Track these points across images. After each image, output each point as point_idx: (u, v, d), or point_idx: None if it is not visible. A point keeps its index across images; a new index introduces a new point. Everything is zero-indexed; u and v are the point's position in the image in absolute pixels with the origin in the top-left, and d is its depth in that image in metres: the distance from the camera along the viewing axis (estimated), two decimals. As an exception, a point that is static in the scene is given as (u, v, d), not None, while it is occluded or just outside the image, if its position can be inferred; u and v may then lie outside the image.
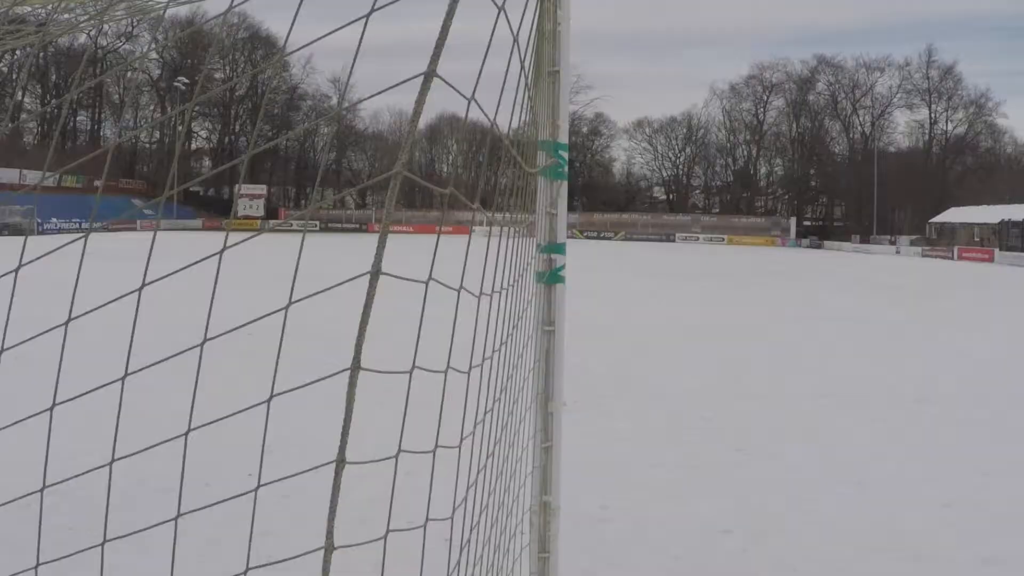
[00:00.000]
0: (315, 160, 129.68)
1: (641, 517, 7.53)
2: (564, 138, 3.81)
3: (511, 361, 3.35)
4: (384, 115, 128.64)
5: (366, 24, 1.74)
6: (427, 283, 1.87)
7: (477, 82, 1.96)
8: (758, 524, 7.43)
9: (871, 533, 7.32)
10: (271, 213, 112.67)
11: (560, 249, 3.81)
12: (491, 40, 2.03)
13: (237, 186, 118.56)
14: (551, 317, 3.85)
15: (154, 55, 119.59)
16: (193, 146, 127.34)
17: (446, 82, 1.76)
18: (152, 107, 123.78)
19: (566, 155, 3.82)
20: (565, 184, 3.83)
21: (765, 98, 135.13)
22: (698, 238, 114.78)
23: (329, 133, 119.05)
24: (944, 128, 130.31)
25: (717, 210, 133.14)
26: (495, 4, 1.99)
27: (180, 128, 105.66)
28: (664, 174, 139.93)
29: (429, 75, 1.63)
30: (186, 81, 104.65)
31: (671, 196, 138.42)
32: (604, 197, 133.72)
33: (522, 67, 2.63)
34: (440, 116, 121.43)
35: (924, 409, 12.69)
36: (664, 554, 6.79)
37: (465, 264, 2.22)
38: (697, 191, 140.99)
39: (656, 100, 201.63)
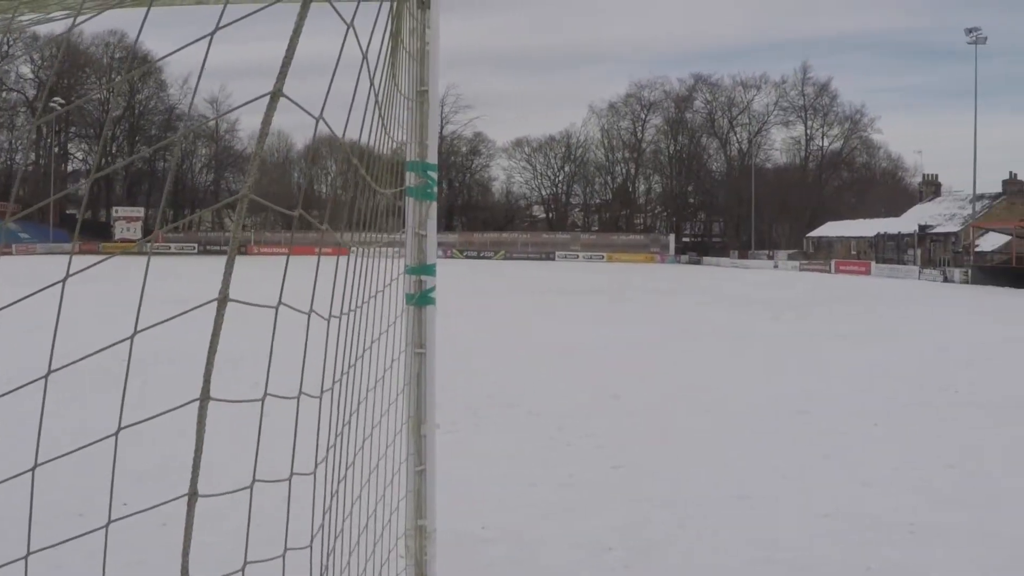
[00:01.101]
0: (192, 181, 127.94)
1: (522, 537, 7.50)
2: (433, 158, 3.78)
3: (367, 383, 3.30)
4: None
5: (210, 44, 1.70)
6: (276, 308, 1.84)
7: (325, 101, 1.93)
8: (640, 541, 7.45)
9: (753, 546, 7.37)
10: (149, 235, 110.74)
11: (430, 270, 3.78)
12: (339, 58, 2.01)
13: (114, 209, 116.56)
14: (422, 339, 3.82)
15: (30, 75, 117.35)
16: (69, 167, 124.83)
17: (292, 101, 1.73)
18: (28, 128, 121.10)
19: (435, 175, 3.79)
20: (434, 205, 3.80)
21: (643, 116, 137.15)
22: (578, 256, 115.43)
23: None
24: (820, 144, 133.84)
25: (596, 228, 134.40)
26: (344, 21, 1.96)
27: (56, 149, 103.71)
28: (543, 193, 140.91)
29: (275, 95, 1.60)
30: (61, 102, 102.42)
31: (551, 214, 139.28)
32: (484, 216, 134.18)
33: (371, 85, 2.61)
34: (319, 137, 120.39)
35: (804, 421, 12.84)
36: (546, 573, 6.79)
37: (315, 287, 2.19)
38: (576, 209, 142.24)
39: (535, 119, 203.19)
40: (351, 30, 1.97)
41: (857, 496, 8.88)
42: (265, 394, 1.85)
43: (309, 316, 2.06)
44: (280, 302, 1.82)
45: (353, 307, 2.93)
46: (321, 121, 1.91)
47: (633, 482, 9.28)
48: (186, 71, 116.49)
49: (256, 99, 1.69)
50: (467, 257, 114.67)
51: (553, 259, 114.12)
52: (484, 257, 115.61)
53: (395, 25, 3.13)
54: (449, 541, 6.46)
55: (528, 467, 9.80)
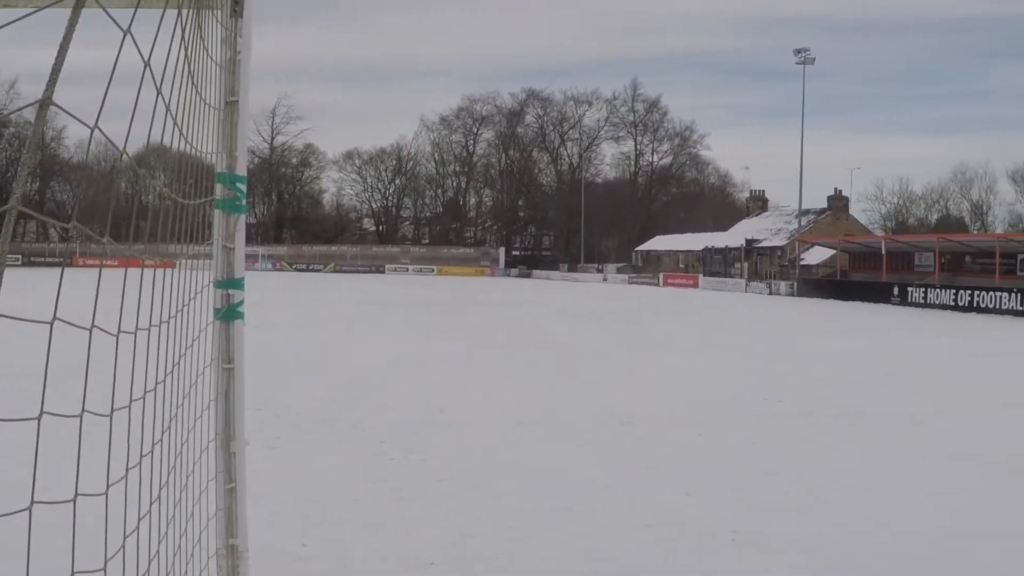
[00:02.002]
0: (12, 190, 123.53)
1: (344, 553, 7.40)
2: (242, 170, 3.73)
3: (175, 399, 3.23)
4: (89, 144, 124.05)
5: None
6: (51, 323, 1.79)
7: (100, 110, 1.89)
8: (463, 554, 7.44)
9: (576, 557, 7.40)
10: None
11: (239, 284, 3.72)
12: (115, 67, 1.96)
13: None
14: (230, 355, 3.76)
15: None
16: None
17: (63, 109, 1.69)
18: None
19: (244, 187, 3.74)
20: (243, 218, 3.75)
21: (475, 130, 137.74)
22: (408, 269, 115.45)
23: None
24: (650, 159, 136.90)
25: (427, 241, 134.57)
26: (120, 28, 1.92)
27: None
28: (374, 205, 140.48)
29: (44, 103, 1.56)
30: None
31: (381, 227, 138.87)
32: (314, 229, 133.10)
33: (159, 94, 2.56)
34: (148, 145, 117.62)
35: (629, 431, 12.95)
36: (366, 590, 6.68)
37: (96, 300, 2.13)
38: (407, 222, 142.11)
39: (367, 131, 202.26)
40: (128, 36, 1.92)
41: (680, 505, 8.97)
42: (41, 412, 1.79)
43: (91, 331, 2.01)
44: (55, 317, 1.77)
45: (159, 322, 2.87)
46: (98, 130, 1.87)
47: (457, 496, 9.24)
48: (13, 75, 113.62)
49: (24, 107, 1.65)
50: (297, 270, 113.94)
51: (383, 272, 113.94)
52: (314, 270, 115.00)
53: (193, 33, 3.07)
54: (268, 559, 6.49)
55: (351, 482, 9.67)
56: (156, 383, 2.93)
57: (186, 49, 2.83)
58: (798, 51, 77.39)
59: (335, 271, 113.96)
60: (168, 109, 2.74)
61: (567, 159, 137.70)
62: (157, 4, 2.52)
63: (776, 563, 7.36)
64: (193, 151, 3.35)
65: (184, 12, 2.75)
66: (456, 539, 7.80)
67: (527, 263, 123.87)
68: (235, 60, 3.77)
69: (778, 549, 7.69)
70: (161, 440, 3.03)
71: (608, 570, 7.17)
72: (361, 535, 7.88)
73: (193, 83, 3.13)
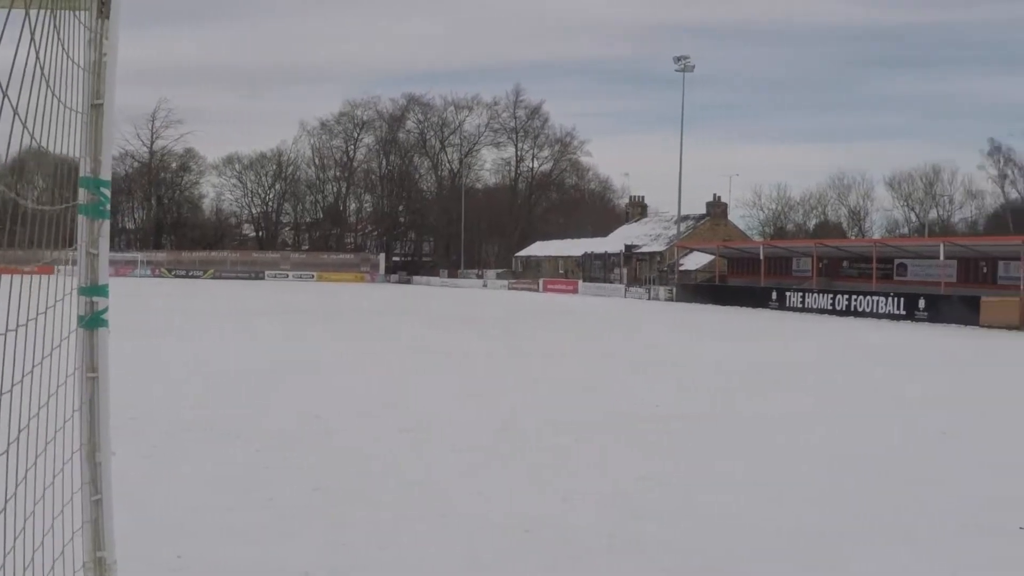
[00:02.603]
0: None
1: (218, 563, 7.29)
2: (106, 174, 3.67)
3: (29, 409, 3.15)
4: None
5: None
6: None
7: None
8: (337, 564, 7.35)
9: (454, 564, 7.39)
10: None
11: (103, 291, 3.65)
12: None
13: None
14: (94, 363, 3.69)
15: None
16: None
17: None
18: None
19: (108, 192, 3.68)
20: (107, 223, 3.68)
21: (356, 135, 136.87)
22: (288, 275, 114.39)
23: None
24: (531, 165, 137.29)
25: (307, 247, 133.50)
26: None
27: None
28: (254, 211, 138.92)
29: None
30: None
31: (261, 233, 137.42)
32: (193, 235, 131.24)
33: (5, 96, 2.51)
34: (26, 149, 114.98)
35: (506, 437, 12.95)
36: (240, 601, 6.54)
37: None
38: (287, 228, 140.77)
39: (247, 136, 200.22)
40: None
41: (557, 511, 8.93)
42: None
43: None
44: None
45: (7, 329, 2.81)
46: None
47: (333, 504, 9.16)
48: None
49: None
50: (176, 276, 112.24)
51: (263, 278, 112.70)
52: (193, 276, 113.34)
53: (48, 34, 3.00)
54: (140, 571, 6.33)
55: (226, 491, 9.50)
56: (2, 392, 2.85)
57: (37, 51, 2.77)
58: (678, 58, 78.55)
59: (214, 277, 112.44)
60: (15, 112, 2.69)
61: (448, 164, 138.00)
62: (2, 3, 2.47)
63: (654, 566, 7.43)
64: (52, 154, 3.29)
65: (34, 13, 2.70)
66: (332, 548, 7.72)
67: (408, 269, 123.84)
68: (100, 62, 3.71)
69: (656, 553, 7.75)
70: (7, 451, 2.96)
71: None
72: (236, 545, 7.76)
73: (48, 85, 3.07)
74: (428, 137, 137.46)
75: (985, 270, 54.59)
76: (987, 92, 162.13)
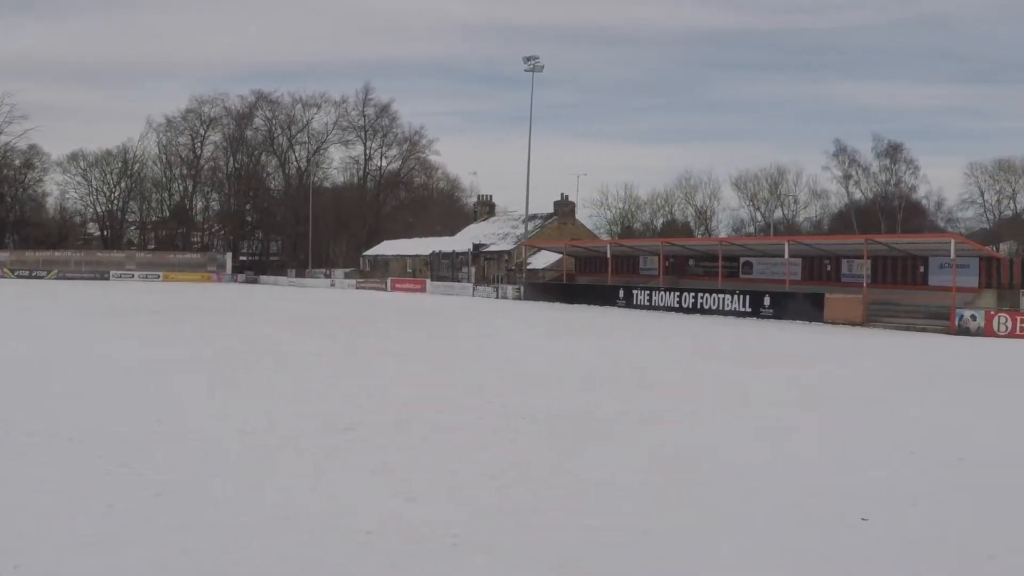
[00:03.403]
0: None
1: (58, 573, 7.11)
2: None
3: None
4: None
5: None
6: None
7: None
8: (180, 569, 7.21)
9: (295, 566, 7.31)
10: None
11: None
12: None
13: None
14: None
15: None
16: None
17: None
18: None
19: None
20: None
21: (203, 132, 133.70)
22: (133, 275, 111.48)
23: None
24: (379, 164, 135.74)
25: (153, 246, 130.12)
26: None
27: None
28: (99, 209, 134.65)
29: None
30: None
31: (106, 232, 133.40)
32: (37, 234, 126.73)
33: None
34: None
35: (351, 438, 12.74)
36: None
37: None
38: (133, 227, 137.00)
39: (92, 132, 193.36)
40: None
41: (401, 511, 8.95)
42: None
43: None
44: None
45: None
46: None
47: (174, 509, 8.93)
48: None
49: None
50: (19, 277, 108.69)
51: (108, 278, 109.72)
52: (37, 277, 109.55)
53: None
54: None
55: (67, 498, 9.23)
56: None
57: None
58: (527, 58, 78.04)
59: (59, 278, 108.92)
60: None
61: (295, 163, 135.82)
62: None
63: (498, 566, 7.46)
64: None
65: None
66: (173, 553, 7.58)
67: (255, 268, 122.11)
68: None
69: (501, 552, 7.79)
70: None
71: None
72: (77, 553, 7.58)
73: None
74: (276, 135, 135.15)
75: (829, 268, 55.57)
76: (833, 95, 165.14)
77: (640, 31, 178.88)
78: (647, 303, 57.65)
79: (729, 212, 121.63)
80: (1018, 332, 39.19)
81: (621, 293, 60.27)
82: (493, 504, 9.30)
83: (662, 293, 57.21)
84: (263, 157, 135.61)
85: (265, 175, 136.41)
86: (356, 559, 7.52)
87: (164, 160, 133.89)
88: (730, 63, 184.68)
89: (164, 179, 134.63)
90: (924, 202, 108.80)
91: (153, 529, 8.22)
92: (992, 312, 40.99)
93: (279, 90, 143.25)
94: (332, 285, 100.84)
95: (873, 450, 12.73)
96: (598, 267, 70.43)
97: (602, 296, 61.76)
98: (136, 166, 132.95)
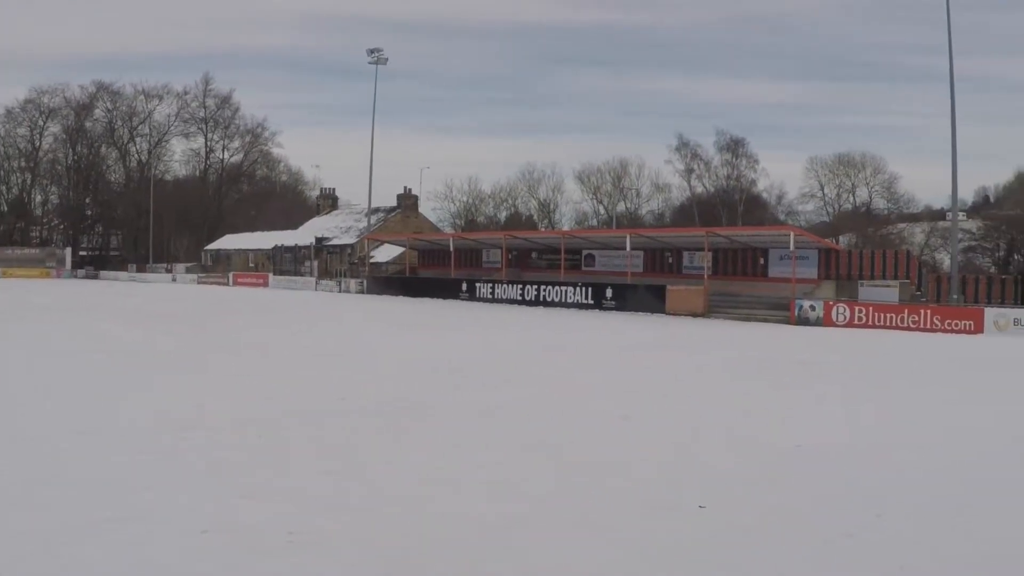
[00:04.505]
0: None
1: None
2: None
3: None
4: None
5: None
6: None
7: None
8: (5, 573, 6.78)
9: (127, 568, 7.01)
10: None
11: None
12: None
13: None
14: None
15: None
16: None
17: None
18: None
19: None
20: None
21: (42, 124, 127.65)
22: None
23: None
24: (221, 157, 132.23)
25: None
26: None
27: None
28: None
29: None
30: None
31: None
32: None
33: None
34: None
35: (189, 435, 12.23)
36: None
37: None
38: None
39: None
40: None
41: (237, 509, 8.70)
42: None
43: None
44: None
45: None
46: None
47: (10, 513, 8.41)
48: None
49: None
50: None
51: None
52: None
53: None
54: None
55: None
56: None
57: None
58: (371, 51, 76.77)
59: None
60: None
61: (136, 155, 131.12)
62: None
63: (334, 562, 7.27)
64: None
65: None
66: (8, 559, 7.14)
67: (95, 263, 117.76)
68: None
69: (335, 547, 7.62)
70: None
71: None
72: None
73: None
74: (117, 126, 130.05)
75: (671, 260, 55.78)
76: (676, 91, 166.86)
77: (486, 25, 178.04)
78: (490, 296, 57.14)
79: (572, 205, 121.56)
80: (856, 322, 39.75)
81: (464, 286, 59.71)
82: (330, 501, 9.10)
83: (505, 286, 56.77)
84: (103, 149, 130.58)
85: (105, 168, 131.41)
86: (190, 559, 7.28)
87: (2, 152, 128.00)
88: (574, 58, 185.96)
89: (2, 172, 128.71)
90: (765, 195, 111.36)
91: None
92: (831, 302, 41.55)
93: (121, 80, 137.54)
94: (174, 280, 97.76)
95: (712, 438, 12.88)
96: (441, 260, 69.64)
97: (445, 289, 61.12)
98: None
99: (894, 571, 7.37)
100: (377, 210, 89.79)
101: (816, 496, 9.65)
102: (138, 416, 13.65)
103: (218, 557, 7.30)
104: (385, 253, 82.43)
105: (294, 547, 7.57)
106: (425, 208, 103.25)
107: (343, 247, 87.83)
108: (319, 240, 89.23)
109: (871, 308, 39.71)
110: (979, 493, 10.01)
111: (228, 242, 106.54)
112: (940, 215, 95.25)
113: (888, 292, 43.41)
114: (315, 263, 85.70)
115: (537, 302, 53.44)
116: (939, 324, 37.51)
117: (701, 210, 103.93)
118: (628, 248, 52.67)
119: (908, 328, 37.90)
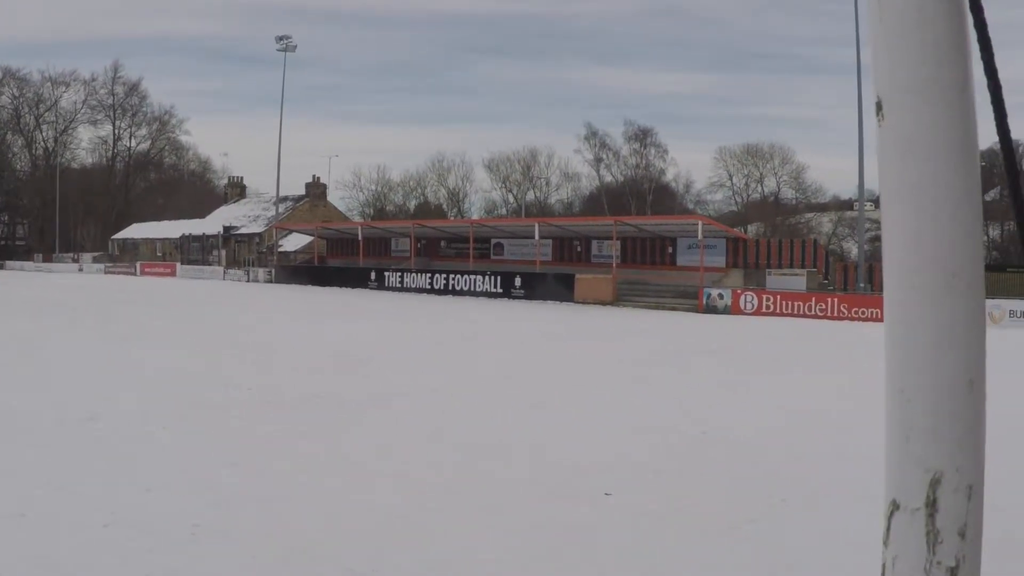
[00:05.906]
0: None
1: None
2: None
3: None
4: None
5: None
6: None
7: None
8: None
9: (33, 565, 6.57)
10: None
11: None
12: None
13: None
14: None
15: None
16: None
17: None
18: None
19: None
20: None
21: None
22: None
23: None
24: (128, 145, 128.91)
25: None
26: None
27: None
28: None
29: None
30: None
31: None
32: None
33: None
34: None
35: (90, 428, 11.74)
36: None
37: None
38: None
39: None
40: None
41: (139, 502, 8.37)
42: None
43: None
44: None
45: None
46: None
47: None
48: None
49: None
50: None
51: None
52: None
53: None
54: None
55: None
56: None
57: None
58: (280, 38, 75.58)
59: None
60: None
61: (43, 143, 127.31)
62: None
63: (239, 553, 7.05)
64: None
65: None
66: None
67: (1, 253, 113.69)
68: None
69: (240, 540, 7.38)
70: None
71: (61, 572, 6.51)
72: None
73: None
74: (23, 113, 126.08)
75: (579, 249, 55.76)
76: (585, 81, 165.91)
77: (394, 14, 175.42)
78: (399, 285, 56.64)
79: (482, 194, 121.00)
80: (764, 310, 39.64)
81: (373, 275, 59.14)
82: (235, 492, 8.85)
83: (414, 275, 56.29)
84: (9, 136, 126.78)
85: (11, 155, 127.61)
86: (91, 554, 6.92)
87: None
88: (483, 47, 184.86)
89: None
90: (673, 185, 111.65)
91: None
92: (739, 291, 41.51)
93: (28, 67, 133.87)
94: (80, 270, 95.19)
95: (620, 426, 12.74)
96: (350, 249, 68.77)
97: (354, 278, 60.39)
98: None
99: (796, 555, 7.28)
100: (286, 199, 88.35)
101: (722, 482, 9.67)
102: (37, 407, 13.14)
103: (118, 551, 7.01)
104: (294, 242, 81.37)
105: (197, 540, 7.36)
106: (334, 197, 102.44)
107: (251, 236, 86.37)
108: (227, 229, 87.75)
109: (779, 296, 39.63)
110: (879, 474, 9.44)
111: (136, 231, 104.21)
112: (848, 205, 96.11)
113: (796, 281, 43.54)
114: (223, 252, 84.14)
115: (446, 291, 53.01)
116: (846, 312, 37.51)
117: (610, 199, 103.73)
118: (537, 237, 52.46)
119: (816, 316, 37.85)
